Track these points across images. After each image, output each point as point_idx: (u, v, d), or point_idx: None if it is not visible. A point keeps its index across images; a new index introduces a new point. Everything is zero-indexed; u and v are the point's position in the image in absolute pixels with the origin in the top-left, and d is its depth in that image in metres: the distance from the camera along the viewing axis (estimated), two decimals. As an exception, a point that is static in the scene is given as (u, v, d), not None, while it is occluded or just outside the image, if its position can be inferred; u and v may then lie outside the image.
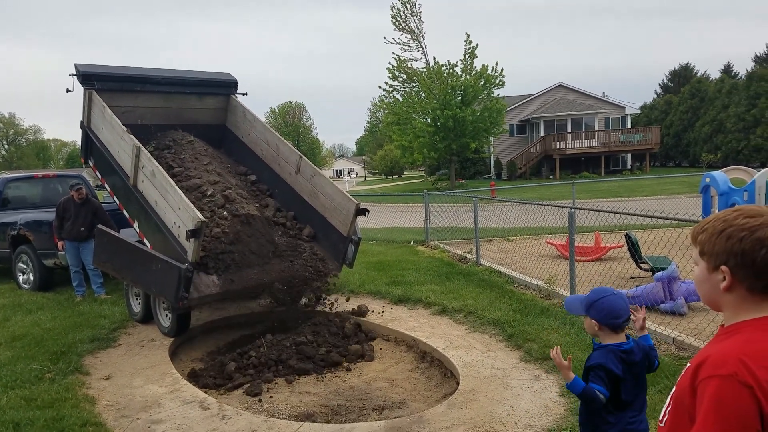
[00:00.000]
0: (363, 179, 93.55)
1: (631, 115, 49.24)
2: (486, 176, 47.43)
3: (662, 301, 7.23)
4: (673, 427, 1.56)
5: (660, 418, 1.64)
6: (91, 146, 8.51)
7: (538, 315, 7.25)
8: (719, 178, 12.40)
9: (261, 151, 8.98)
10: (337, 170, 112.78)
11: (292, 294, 7.79)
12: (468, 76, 36.27)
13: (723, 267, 1.52)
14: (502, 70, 36.46)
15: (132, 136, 7.40)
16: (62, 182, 11.72)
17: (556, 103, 46.30)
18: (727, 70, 60.03)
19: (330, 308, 8.03)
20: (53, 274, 10.57)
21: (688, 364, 1.54)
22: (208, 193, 7.68)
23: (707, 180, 12.76)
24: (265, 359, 6.49)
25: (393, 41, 40.83)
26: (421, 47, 40.80)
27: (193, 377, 6.29)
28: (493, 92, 36.92)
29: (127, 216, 7.94)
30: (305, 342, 6.85)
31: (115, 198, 8.27)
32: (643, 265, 9.03)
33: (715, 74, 58.29)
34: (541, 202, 10.22)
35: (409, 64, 39.30)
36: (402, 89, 39.56)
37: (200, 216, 6.24)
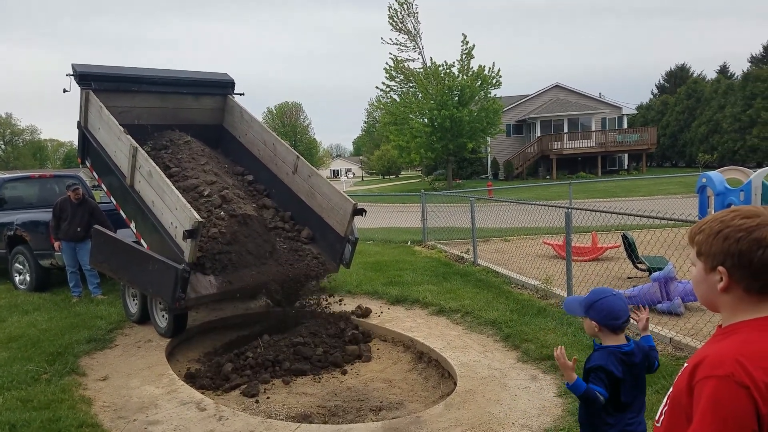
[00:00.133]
0: (360, 179, 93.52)
1: (627, 115, 49.32)
2: (483, 176, 47.45)
3: (659, 301, 7.24)
4: (669, 427, 1.56)
5: (657, 418, 1.64)
6: (88, 146, 8.50)
7: (535, 315, 7.25)
8: (716, 178, 12.42)
9: (258, 151, 8.97)
10: (334, 170, 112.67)
11: (289, 294, 7.78)
12: (465, 77, 36.27)
13: (720, 268, 1.52)
14: (498, 70, 36.51)
15: (129, 136, 7.38)
16: (59, 182, 11.70)
17: (553, 104, 46.36)
18: (723, 70, 60.13)
19: (327, 309, 8.02)
20: (50, 275, 10.55)
21: (686, 365, 1.54)
22: (205, 194, 7.67)
23: (704, 180, 12.79)
24: (262, 360, 6.48)
25: (390, 42, 40.89)
26: (418, 48, 40.86)
27: (190, 378, 6.28)
28: (489, 92, 36.93)
29: (124, 216, 7.93)
30: (302, 343, 6.84)
31: (111, 198, 8.25)
32: (639, 266, 9.04)
33: (711, 75, 58.49)
34: (538, 203, 10.22)
35: (406, 64, 39.33)
36: (399, 89, 39.58)
37: (197, 216, 6.24)
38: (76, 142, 9.32)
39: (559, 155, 42.11)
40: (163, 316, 7.42)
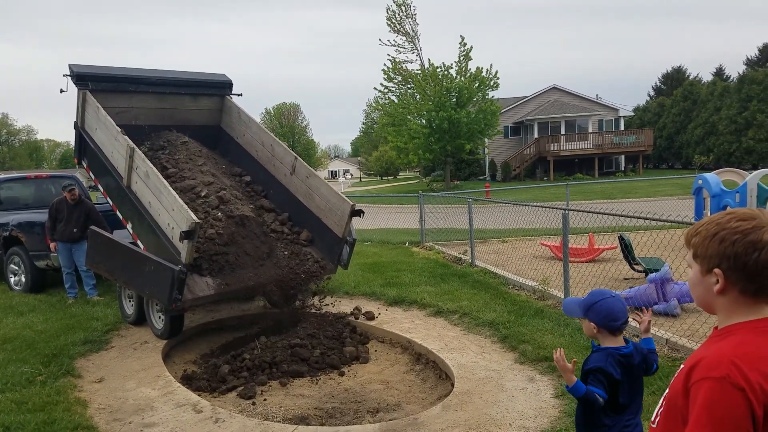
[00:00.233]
0: (358, 180, 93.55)
1: (624, 117, 49.43)
2: (481, 178, 47.50)
3: (655, 302, 7.25)
4: (665, 428, 1.56)
5: (653, 419, 1.65)
6: (85, 147, 8.48)
7: (533, 316, 7.25)
8: (711, 180, 12.45)
9: (256, 152, 8.96)
10: (332, 171, 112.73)
11: (287, 295, 7.77)
12: (463, 78, 36.33)
13: (716, 270, 1.52)
14: (496, 72, 36.56)
15: (126, 137, 7.37)
16: (55, 183, 11.65)
17: (550, 105, 46.45)
18: (719, 72, 60.37)
19: (325, 310, 8.00)
20: (45, 276, 10.51)
21: (682, 366, 1.55)
22: (203, 194, 7.65)
23: (700, 182, 12.82)
24: (258, 361, 6.46)
25: (388, 43, 40.90)
26: (416, 49, 40.86)
27: (186, 380, 6.26)
28: (487, 94, 36.99)
29: (121, 217, 7.91)
30: (299, 344, 6.82)
31: (108, 199, 8.24)
32: (636, 267, 9.05)
33: (707, 77, 58.73)
34: (535, 204, 10.24)
35: (404, 65, 39.35)
36: (397, 91, 39.60)
37: (194, 217, 6.22)
38: (72, 143, 9.30)
39: (557, 157, 42.18)
40: (160, 317, 7.40)
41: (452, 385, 5.64)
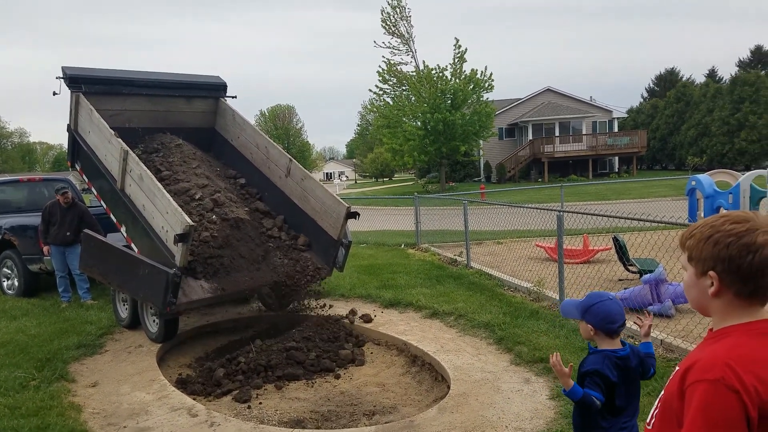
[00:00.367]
0: (353, 182, 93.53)
1: (618, 118, 49.60)
2: (476, 179, 47.61)
3: (650, 303, 7.26)
4: (660, 430, 1.57)
5: (648, 420, 1.65)
6: (78, 150, 8.44)
7: (528, 318, 7.26)
8: (705, 181, 12.50)
9: (250, 155, 8.94)
10: (327, 173, 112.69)
11: (282, 298, 7.75)
12: (457, 80, 36.43)
13: (711, 272, 1.53)
14: (491, 74, 36.71)
15: (119, 140, 7.34)
16: (48, 186, 11.60)
17: (545, 107, 46.58)
18: (712, 74, 60.62)
19: (320, 312, 7.99)
20: (38, 280, 10.46)
21: (677, 368, 1.55)
22: (197, 197, 7.63)
23: (693, 183, 12.87)
24: (254, 365, 6.43)
25: (383, 45, 40.94)
26: (411, 51, 40.90)
27: (181, 384, 6.23)
28: (482, 96, 37.10)
29: (115, 220, 7.87)
30: (295, 347, 6.80)
31: (102, 202, 8.20)
32: (630, 268, 9.07)
33: (700, 79, 58.97)
34: (530, 205, 10.25)
35: (399, 67, 39.39)
36: (392, 93, 39.64)
37: (188, 220, 6.20)
38: (65, 145, 9.26)
39: (551, 158, 42.30)
40: (154, 321, 7.37)
41: (448, 387, 5.63)
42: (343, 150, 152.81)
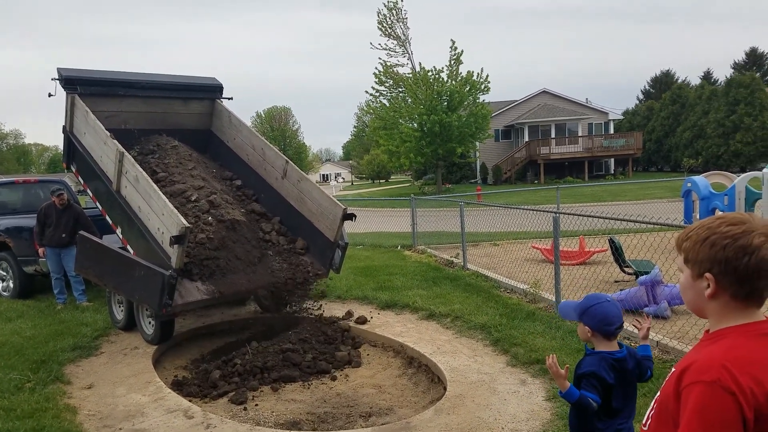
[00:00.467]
0: (350, 184, 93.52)
1: (613, 120, 49.66)
2: (472, 181, 47.67)
3: (646, 304, 7.27)
4: (656, 430, 1.57)
5: (644, 421, 1.66)
6: (74, 151, 8.42)
7: (524, 319, 7.26)
8: (700, 182, 12.53)
9: (247, 156, 8.93)
10: (323, 175, 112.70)
11: (278, 300, 7.74)
12: (454, 82, 36.47)
13: (707, 274, 1.53)
14: (487, 76, 36.76)
15: (115, 141, 7.33)
16: (44, 188, 11.58)
17: (541, 109, 46.65)
18: (707, 76, 60.84)
19: (316, 314, 7.98)
20: (34, 281, 10.44)
21: (673, 369, 1.56)
22: (193, 199, 7.62)
23: (688, 185, 12.90)
24: (250, 367, 6.43)
25: (379, 47, 40.94)
26: (407, 53, 40.93)
27: (177, 386, 6.21)
28: (478, 98, 37.13)
29: (110, 222, 7.85)
30: (291, 349, 6.80)
31: (97, 203, 8.18)
32: (626, 269, 9.08)
33: (695, 81, 59.13)
34: (526, 207, 10.26)
35: (395, 69, 39.41)
36: (388, 94, 39.66)
37: (184, 222, 6.19)
38: (61, 147, 9.24)
39: (547, 160, 42.32)
40: (150, 322, 7.35)
41: (444, 388, 5.63)
42: (340, 151, 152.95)
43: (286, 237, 8.18)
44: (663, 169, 50.79)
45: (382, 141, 38.93)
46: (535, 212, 9.72)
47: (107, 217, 7.93)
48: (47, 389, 5.82)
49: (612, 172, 45.62)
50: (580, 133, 45.15)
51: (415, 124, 36.96)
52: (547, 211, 8.88)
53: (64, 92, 8.18)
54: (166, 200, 6.50)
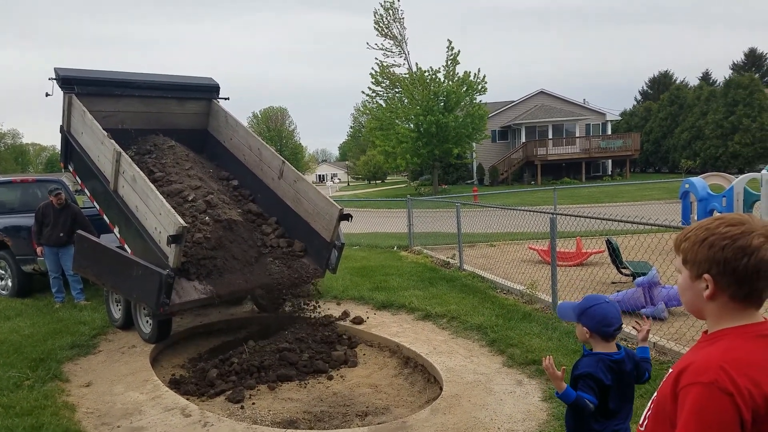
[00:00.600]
0: (346, 184, 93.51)
1: (611, 121, 49.73)
2: (468, 182, 47.68)
3: (643, 306, 7.29)
4: (653, 431, 1.58)
5: (640, 422, 1.66)
6: (71, 151, 8.43)
7: (521, 320, 7.28)
8: (698, 184, 12.55)
9: (243, 156, 8.94)
10: (320, 175, 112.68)
11: (275, 300, 7.75)
12: (450, 82, 36.50)
13: (706, 275, 1.53)
14: (484, 76, 36.79)
15: (112, 141, 7.33)
16: (41, 187, 11.58)
17: (538, 110, 46.65)
18: (706, 77, 60.93)
19: (313, 314, 7.99)
20: (32, 280, 10.44)
21: (670, 370, 1.56)
22: (190, 198, 7.63)
23: (686, 186, 12.92)
24: (247, 366, 6.44)
25: (376, 47, 40.99)
26: (404, 53, 40.98)
27: (175, 384, 6.23)
28: (475, 98, 37.15)
29: (108, 221, 7.86)
30: (288, 348, 6.81)
31: (95, 203, 8.19)
32: (623, 270, 9.10)
33: (693, 81, 59.20)
34: (523, 208, 10.27)
35: (392, 69, 39.44)
36: (385, 95, 39.68)
37: (181, 221, 6.20)
38: (58, 147, 9.24)
39: (544, 161, 42.35)
40: (147, 321, 7.36)
41: (440, 388, 5.64)
42: (336, 152, 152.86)
43: (284, 239, 8.18)
44: (661, 170, 50.87)
45: (378, 142, 38.96)
46: (532, 213, 9.74)
47: (105, 217, 7.93)
48: (46, 387, 5.83)
49: (609, 173, 45.65)
50: (577, 134, 45.15)
51: (412, 125, 36.99)
52: (544, 212, 8.91)
53: (62, 92, 8.18)
54: (163, 200, 6.51)
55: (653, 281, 7.30)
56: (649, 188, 30.69)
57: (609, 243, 9.17)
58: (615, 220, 7.14)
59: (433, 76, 36.65)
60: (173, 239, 6.16)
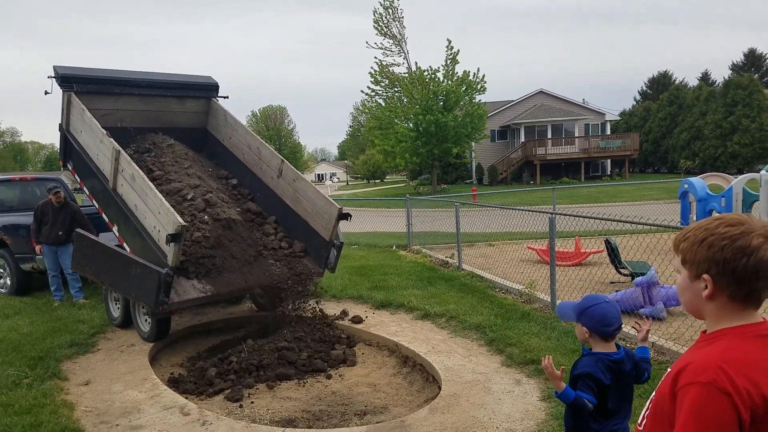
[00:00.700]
0: (345, 184, 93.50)
1: (610, 121, 49.76)
2: (467, 181, 47.66)
3: (642, 306, 7.30)
4: (651, 430, 1.58)
5: (639, 421, 1.66)
6: (70, 149, 8.43)
7: (519, 320, 7.29)
8: (697, 184, 12.56)
9: (242, 155, 8.93)
10: (319, 174, 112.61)
11: (274, 299, 7.75)
12: (450, 82, 36.48)
13: (705, 275, 1.53)
14: (483, 76, 36.78)
15: (111, 139, 7.33)
16: (40, 185, 11.57)
17: (537, 110, 46.66)
18: (705, 77, 60.96)
19: (312, 313, 7.99)
20: (31, 279, 10.44)
21: (669, 370, 1.56)
22: (189, 197, 7.63)
23: (686, 186, 12.93)
24: (246, 364, 6.45)
25: (375, 46, 40.97)
26: (404, 52, 40.96)
27: (173, 383, 6.23)
28: (474, 98, 37.13)
29: (107, 220, 7.86)
30: (287, 347, 6.81)
31: (94, 201, 8.18)
32: (622, 270, 9.11)
33: (693, 82, 59.25)
34: (522, 208, 10.28)
35: (391, 69, 39.42)
36: (384, 94, 39.66)
37: (180, 220, 6.20)
38: (57, 145, 9.23)
39: (543, 161, 42.37)
40: (146, 320, 7.36)
41: (439, 387, 5.65)
42: (335, 151, 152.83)
43: (285, 240, 8.18)
44: (660, 170, 50.89)
45: (377, 141, 38.92)
46: (530, 213, 9.75)
47: (104, 215, 7.93)
48: (45, 385, 5.83)
49: (608, 173, 45.69)
50: (576, 134, 45.18)
51: (411, 124, 36.97)
52: (543, 212, 8.91)
53: (61, 90, 8.17)
54: (163, 198, 6.51)
55: (652, 281, 7.31)
56: (648, 188, 30.72)
57: (608, 243, 9.18)
58: (614, 220, 7.14)
59: (433, 76, 36.62)
60: (172, 238, 6.16)
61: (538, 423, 4.68)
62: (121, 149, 7.21)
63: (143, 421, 5.09)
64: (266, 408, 5.67)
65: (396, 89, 38.82)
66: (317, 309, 8.07)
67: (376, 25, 40.40)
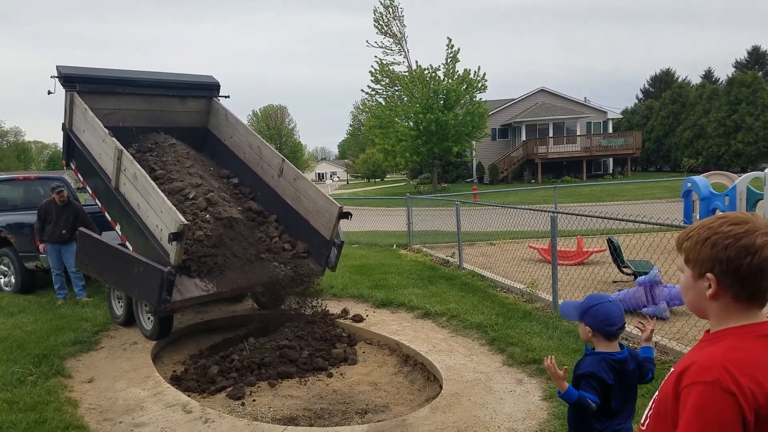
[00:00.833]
0: (345, 183, 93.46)
1: (612, 119, 49.70)
2: (468, 180, 47.65)
3: (644, 305, 7.29)
4: (655, 430, 1.57)
5: (642, 421, 1.66)
6: (73, 149, 8.45)
7: (521, 319, 7.29)
8: (701, 182, 12.55)
9: (243, 154, 8.95)
10: (319, 173, 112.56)
11: (275, 297, 7.77)
12: (450, 80, 36.41)
13: (709, 275, 1.52)
14: (484, 74, 36.70)
15: (114, 139, 7.35)
16: (44, 185, 11.61)
17: (538, 108, 46.62)
18: (708, 75, 60.81)
19: (313, 312, 8.01)
20: (34, 277, 10.47)
21: (672, 369, 1.55)
22: (191, 196, 7.65)
23: (689, 185, 12.92)
24: (247, 362, 6.46)
25: (376, 45, 40.93)
26: (404, 51, 40.91)
27: (176, 380, 6.24)
28: (475, 96, 37.07)
29: (109, 219, 7.88)
30: (288, 346, 6.83)
31: (96, 201, 8.20)
32: (625, 270, 9.10)
33: (696, 80, 59.04)
34: (523, 206, 10.28)
35: (391, 67, 39.37)
36: (385, 93, 39.61)
37: (182, 219, 6.22)
38: (60, 144, 9.26)
39: (545, 159, 42.31)
40: (149, 318, 7.39)
41: (440, 387, 5.65)
42: (335, 150, 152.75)
43: (288, 241, 8.18)
44: (662, 168, 50.84)
45: (377, 140, 38.86)
46: (532, 212, 9.74)
47: (106, 214, 7.96)
48: (49, 383, 5.86)
49: (610, 171, 45.64)
50: (578, 132, 45.13)
51: (411, 123, 36.90)
52: (545, 211, 8.90)
53: (64, 90, 8.20)
54: (165, 197, 6.53)
55: (655, 280, 7.30)
56: (650, 187, 30.69)
57: (610, 242, 9.17)
58: (616, 219, 7.13)
59: (433, 74, 36.56)
60: (174, 237, 6.17)
61: (540, 423, 4.68)
62: (123, 148, 7.23)
63: (146, 418, 5.11)
64: (268, 406, 5.69)
65: (396, 88, 38.77)
66: (319, 307, 8.09)
67: (376, 24, 40.35)
